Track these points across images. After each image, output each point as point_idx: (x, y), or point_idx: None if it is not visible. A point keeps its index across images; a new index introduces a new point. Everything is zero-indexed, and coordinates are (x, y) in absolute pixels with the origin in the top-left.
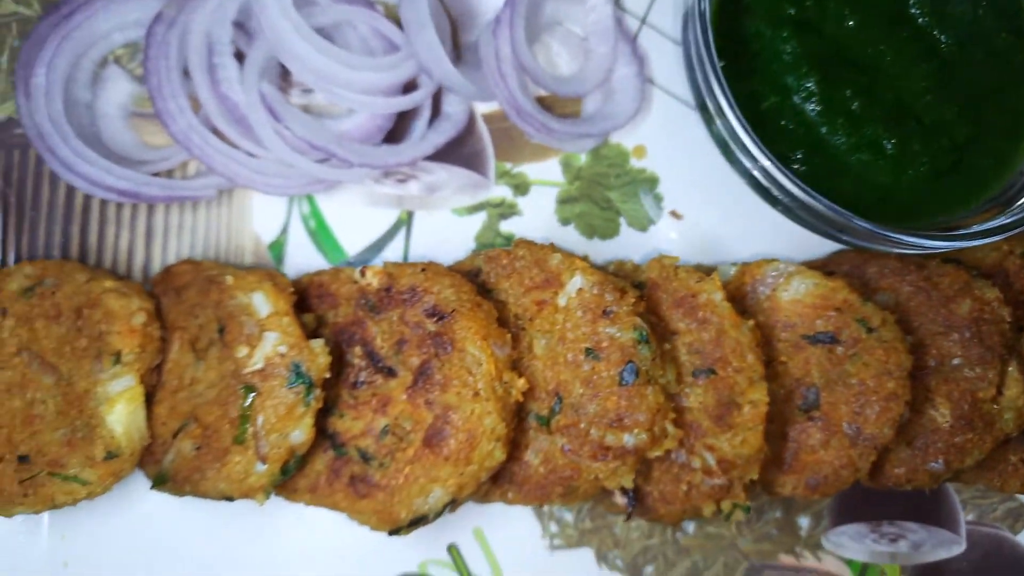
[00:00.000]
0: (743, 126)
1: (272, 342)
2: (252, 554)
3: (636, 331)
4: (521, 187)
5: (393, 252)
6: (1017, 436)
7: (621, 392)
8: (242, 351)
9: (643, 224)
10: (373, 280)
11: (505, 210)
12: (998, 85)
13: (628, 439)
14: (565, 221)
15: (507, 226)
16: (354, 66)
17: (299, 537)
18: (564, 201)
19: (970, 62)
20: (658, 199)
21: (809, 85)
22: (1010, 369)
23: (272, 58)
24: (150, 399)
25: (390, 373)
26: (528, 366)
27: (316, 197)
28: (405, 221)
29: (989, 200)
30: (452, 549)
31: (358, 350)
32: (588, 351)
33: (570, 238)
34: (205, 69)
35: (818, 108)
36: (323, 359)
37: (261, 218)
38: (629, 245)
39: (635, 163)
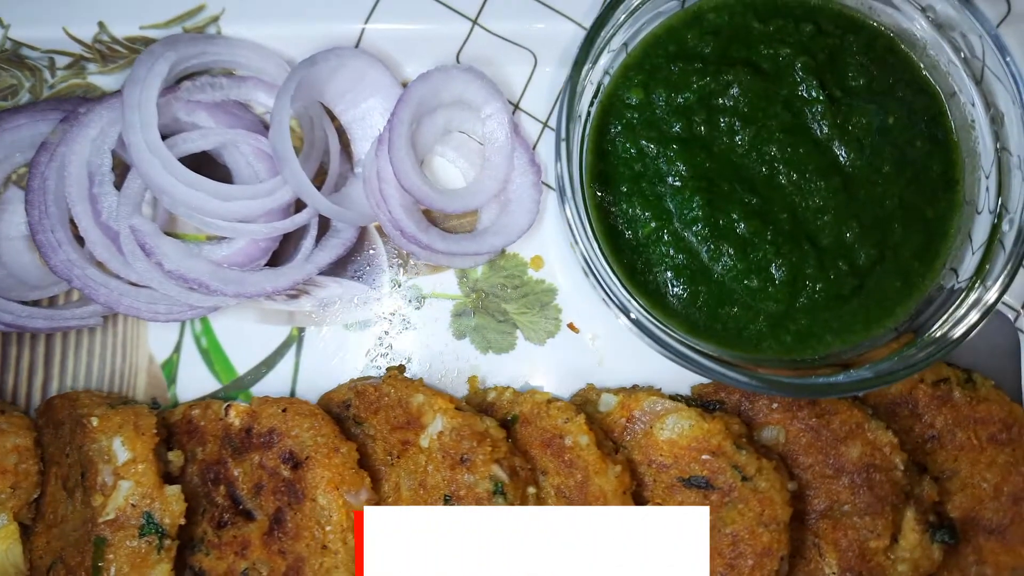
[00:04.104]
0: (600, 275)
1: (124, 492)
2: None
3: (492, 482)
4: (415, 300)
5: (284, 368)
6: None
7: None
8: (98, 499)
9: (540, 337)
10: (235, 420)
11: (398, 325)
12: (909, 199)
13: None
14: (460, 335)
15: (400, 341)
16: (226, 196)
17: None
18: (459, 314)
19: (877, 176)
20: (556, 311)
21: (694, 210)
22: (908, 514)
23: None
24: (31, 530)
25: (249, 516)
26: (396, 505)
27: (208, 316)
28: (296, 337)
29: (898, 326)
30: None
31: (222, 489)
32: (446, 498)
33: (465, 352)
34: (86, 199)
35: (702, 233)
36: (177, 507)
37: (155, 338)
38: (526, 360)
39: (533, 274)
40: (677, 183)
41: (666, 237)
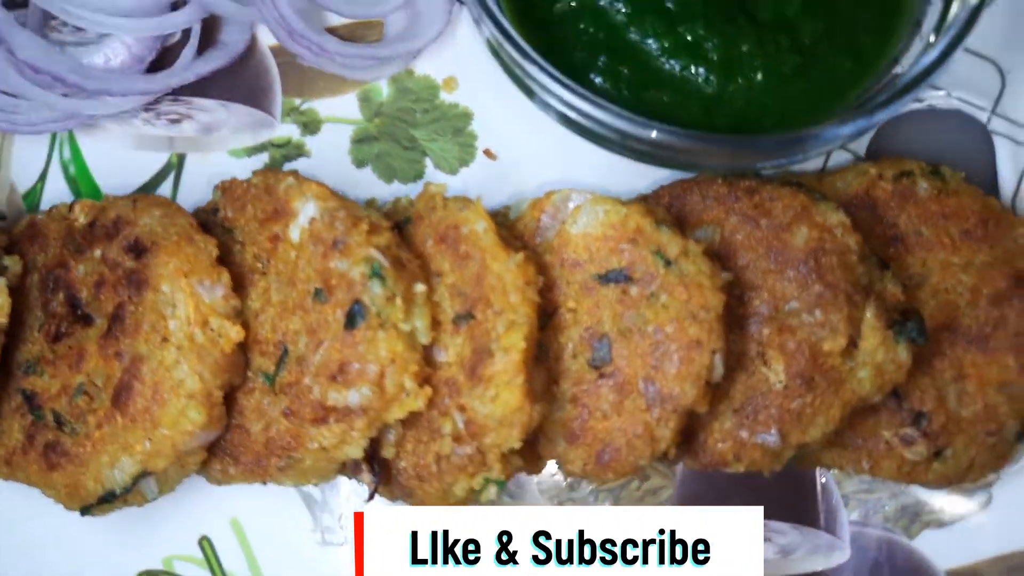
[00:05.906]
0: (503, 31)
1: None
2: None
3: (367, 264)
4: (311, 125)
5: None
6: (891, 406)
7: (346, 338)
8: None
9: (452, 166)
10: (80, 216)
11: (291, 151)
12: None
13: (353, 396)
14: (361, 163)
15: (292, 169)
16: None
17: (16, 519)
18: (360, 140)
19: None
20: (471, 137)
21: None
22: (867, 315)
23: None
24: None
25: (88, 321)
26: (264, 313)
27: (79, 140)
28: (175, 165)
29: (847, 109)
30: (204, 542)
31: (61, 296)
32: (317, 292)
33: (366, 181)
34: None
35: (622, 6)
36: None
37: (18, 164)
38: None
39: (446, 97)
40: None
41: (584, 13)
